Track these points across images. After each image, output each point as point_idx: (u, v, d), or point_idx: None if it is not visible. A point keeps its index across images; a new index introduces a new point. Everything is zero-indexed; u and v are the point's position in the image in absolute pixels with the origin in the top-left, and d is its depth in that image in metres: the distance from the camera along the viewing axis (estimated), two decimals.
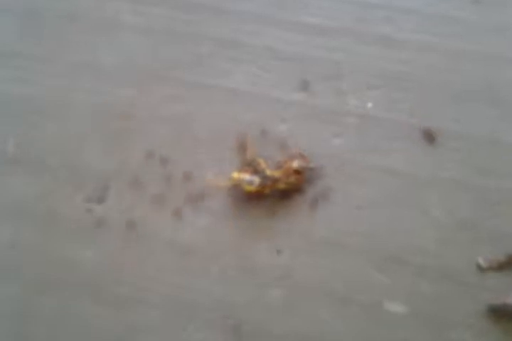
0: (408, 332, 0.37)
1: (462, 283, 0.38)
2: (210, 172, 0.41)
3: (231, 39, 0.46)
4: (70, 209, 0.41)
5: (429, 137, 0.41)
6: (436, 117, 0.42)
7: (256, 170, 0.40)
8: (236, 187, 0.40)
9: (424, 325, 0.37)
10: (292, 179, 0.39)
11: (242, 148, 0.42)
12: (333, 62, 0.44)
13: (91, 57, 0.46)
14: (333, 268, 0.39)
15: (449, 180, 0.40)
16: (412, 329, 0.37)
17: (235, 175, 0.40)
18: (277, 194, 0.40)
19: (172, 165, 0.42)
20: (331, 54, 0.44)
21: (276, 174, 0.40)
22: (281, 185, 0.40)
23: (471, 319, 0.36)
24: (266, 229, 0.40)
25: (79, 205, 0.41)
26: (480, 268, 0.38)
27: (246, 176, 0.40)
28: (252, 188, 0.40)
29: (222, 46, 0.45)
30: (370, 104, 0.42)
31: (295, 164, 0.40)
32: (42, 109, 0.44)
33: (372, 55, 0.44)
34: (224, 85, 0.44)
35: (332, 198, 0.40)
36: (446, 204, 0.40)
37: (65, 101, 0.45)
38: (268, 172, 0.40)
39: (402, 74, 0.43)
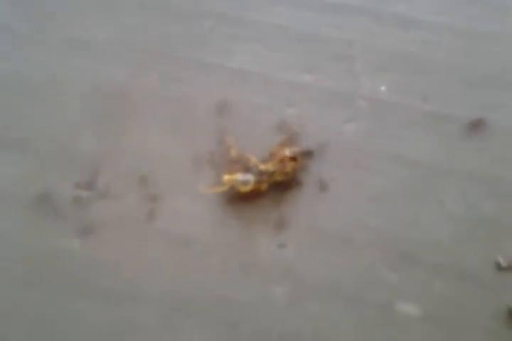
0: (420, 335, 0.34)
1: (480, 283, 0.35)
2: (202, 185, 0.37)
3: (236, 15, 0.42)
4: (58, 195, 0.38)
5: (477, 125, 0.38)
6: (451, 103, 0.39)
7: (247, 167, 0.37)
8: (231, 189, 0.37)
9: (438, 328, 0.34)
10: (288, 168, 0.36)
11: (223, 146, 0.38)
12: (346, 42, 0.41)
13: (84, 33, 0.43)
14: (340, 265, 0.36)
15: (467, 172, 0.37)
16: (424, 333, 0.34)
17: (227, 177, 0.36)
18: (276, 187, 0.37)
19: (168, 150, 0.39)
20: (343, 33, 0.41)
21: (271, 166, 0.36)
22: (279, 177, 0.37)
23: (490, 322, 0.34)
24: (268, 221, 0.37)
25: (68, 191, 0.38)
26: (499, 267, 0.35)
27: (239, 176, 0.36)
28: (247, 188, 0.36)
29: (226, 22, 0.42)
30: (383, 88, 0.39)
31: (287, 151, 0.36)
32: (30, 88, 0.41)
33: (387, 36, 0.41)
34: (227, 65, 0.41)
35: (341, 188, 0.37)
36: (464, 197, 0.37)
37: (55, 79, 0.41)
38: (262, 166, 0.36)
39: (417, 56, 0.40)
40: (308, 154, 0.37)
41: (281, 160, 0.36)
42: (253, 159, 0.37)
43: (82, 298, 0.36)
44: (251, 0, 0.43)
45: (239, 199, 0.37)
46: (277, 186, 0.37)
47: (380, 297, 0.35)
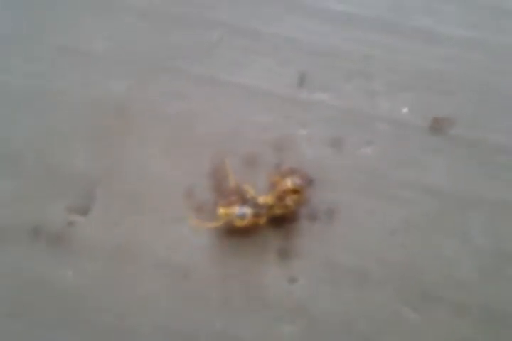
0: None
1: (510, 325, 0.32)
2: (192, 219, 0.34)
3: (245, 26, 0.39)
4: (48, 220, 0.35)
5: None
6: (482, 127, 0.36)
7: (244, 199, 0.34)
8: (226, 223, 0.34)
9: None
10: (289, 201, 0.33)
11: (219, 174, 0.35)
12: (363, 57, 0.38)
13: (79, 41, 0.39)
14: (356, 303, 0.33)
15: (496, 202, 0.34)
16: None
17: (222, 211, 0.33)
18: (275, 220, 0.34)
19: (170, 173, 0.36)
20: (361, 48, 0.38)
21: (270, 199, 0.33)
22: (278, 211, 0.33)
23: None
24: (277, 252, 0.34)
25: (59, 216, 0.35)
26: None
27: (235, 209, 0.33)
28: (244, 222, 0.33)
29: (234, 34, 0.39)
30: (405, 109, 0.36)
31: (289, 183, 0.33)
32: (19, 100, 0.38)
33: (409, 51, 0.38)
34: (235, 81, 0.38)
35: (358, 218, 0.34)
36: (493, 229, 0.34)
37: (47, 91, 0.38)
38: (260, 199, 0.33)
39: (443, 74, 0.37)
40: (309, 183, 0.35)
41: (282, 193, 0.33)
42: (251, 191, 0.34)
43: (71, 331, 0.33)
44: (262, 10, 0.39)
45: (235, 233, 0.34)
46: (277, 220, 0.34)
47: (399, 339, 0.32)
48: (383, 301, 0.33)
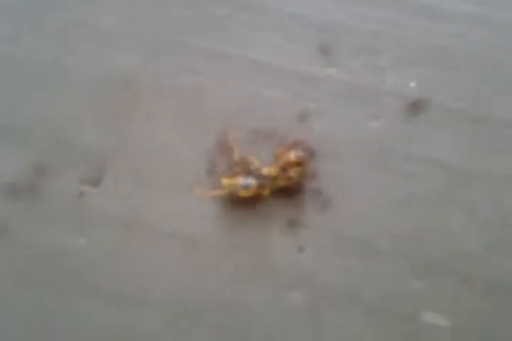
0: None
1: None
2: (198, 188, 0.35)
3: (253, 2, 0.39)
4: (60, 190, 0.36)
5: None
6: (487, 102, 0.36)
7: (248, 170, 0.34)
8: (231, 194, 0.34)
9: (468, 340, 0.32)
10: (292, 173, 0.34)
11: (225, 147, 0.36)
12: (371, 33, 0.38)
13: (89, 16, 0.40)
14: (364, 272, 0.33)
15: (501, 175, 0.35)
16: None
17: (226, 181, 0.34)
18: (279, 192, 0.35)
19: (178, 146, 0.36)
20: (368, 24, 0.38)
21: (273, 171, 0.34)
22: (282, 182, 0.34)
23: None
24: (285, 223, 0.35)
25: (71, 187, 0.36)
26: None
27: (239, 180, 0.34)
28: (248, 193, 0.34)
29: (242, 9, 0.39)
30: (412, 83, 0.37)
31: (292, 155, 0.34)
32: (30, 74, 0.38)
33: (416, 27, 0.38)
34: (243, 56, 0.38)
35: (364, 190, 0.35)
36: (498, 202, 0.34)
37: (58, 65, 0.38)
38: (264, 170, 0.34)
39: (450, 50, 0.38)
40: (311, 156, 0.35)
41: (286, 165, 0.34)
42: (255, 162, 0.34)
43: (85, 299, 0.34)
44: None
45: (242, 204, 0.34)
46: (284, 192, 0.35)
47: (405, 307, 0.33)
48: (389, 271, 0.33)
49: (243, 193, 0.34)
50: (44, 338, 0.34)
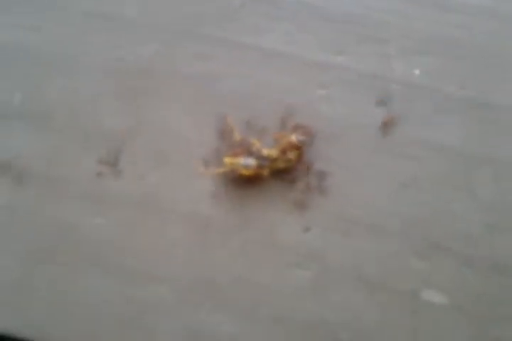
0: (447, 324, 0.33)
1: None
2: (197, 161, 0.37)
3: None
4: (78, 171, 0.37)
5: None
6: (491, 91, 0.37)
7: (250, 151, 0.36)
8: (232, 172, 0.36)
9: (466, 319, 0.33)
10: (290, 155, 0.36)
11: (226, 130, 0.37)
12: (379, 22, 0.39)
13: (109, 7, 0.42)
14: (367, 251, 0.35)
15: (502, 160, 0.36)
16: (451, 322, 0.33)
17: (228, 159, 0.36)
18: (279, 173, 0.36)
19: (193, 130, 0.38)
20: (376, 14, 0.40)
21: (274, 152, 0.36)
22: (281, 164, 0.36)
23: None
24: (292, 203, 0.36)
25: (89, 168, 0.37)
26: None
27: (240, 159, 0.36)
28: (249, 172, 0.36)
29: (256, 1, 0.41)
30: (417, 71, 0.38)
31: (293, 138, 0.36)
32: (51, 61, 0.40)
33: (423, 18, 0.39)
34: (256, 44, 0.40)
35: (370, 173, 0.36)
36: (500, 186, 0.35)
37: (78, 54, 0.40)
38: (264, 151, 0.36)
39: (455, 40, 0.39)
40: (311, 139, 0.37)
41: (285, 147, 0.36)
42: (257, 143, 0.36)
43: (99, 275, 0.36)
44: None
45: (240, 182, 0.36)
46: (280, 173, 0.36)
47: (407, 284, 0.34)
48: (392, 251, 0.35)
49: (244, 172, 0.36)
50: (61, 313, 0.35)
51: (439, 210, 0.35)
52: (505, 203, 0.35)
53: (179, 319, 0.35)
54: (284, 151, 0.36)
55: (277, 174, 0.36)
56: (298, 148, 0.36)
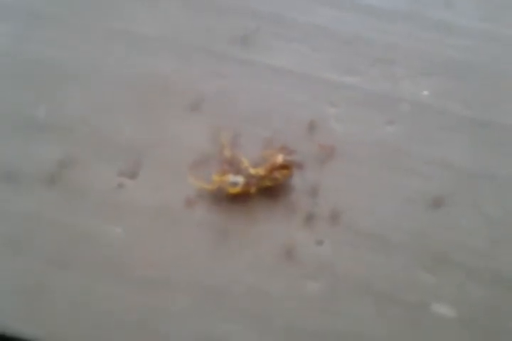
0: (454, 337, 0.34)
1: None
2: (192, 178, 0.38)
3: (281, 16, 0.43)
4: (99, 181, 0.39)
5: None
6: (494, 110, 0.39)
7: (238, 169, 0.38)
8: (220, 189, 0.37)
9: (473, 331, 0.34)
10: (277, 174, 0.37)
11: (219, 146, 0.39)
12: (388, 45, 0.41)
13: (129, 25, 0.44)
14: (377, 264, 0.36)
15: (505, 177, 0.38)
16: (459, 335, 0.34)
17: (216, 177, 0.37)
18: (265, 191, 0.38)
19: (206, 144, 0.39)
20: (385, 37, 0.42)
21: (261, 171, 0.37)
22: (268, 183, 0.37)
23: None
24: (305, 217, 0.37)
25: (109, 178, 0.39)
26: None
27: (229, 177, 0.37)
28: (235, 190, 0.37)
29: (270, 22, 0.43)
30: (425, 92, 0.40)
31: (280, 158, 0.37)
32: (74, 76, 0.42)
33: (430, 41, 0.41)
34: (270, 63, 0.41)
35: (378, 189, 0.38)
36: (502, 202, 0.37)
37: (100, 69, 0.42)
38: (252, 170, 0.37)
39: (460, 62, 0.41)
40: (298, 166, 0.38)
41: (272, 167, 0.37)
42: (245, 162, 0.38)
43: (115, 282, 0.37)
44: (296, 1, 0.43)
45: (228, 199, 0.37)
46: (266, 191, 0.37)
47: (415, 297, 0.35)
48: (401, 264, 0.36)
49: (231, 190, 0.37)
50: (74, 318, 0.36)
51: (444, 224, 0.37)
52: (508, 217, 0.36)
53: (192, 326, 0.36)
54: (271, 170, 0.37)
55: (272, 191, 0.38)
56: (285, 167, 0.37)
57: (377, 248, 0.36)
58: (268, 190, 0.37)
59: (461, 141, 0.38)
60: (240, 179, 0.37)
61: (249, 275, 0.37)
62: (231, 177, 0.37)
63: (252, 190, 0.37)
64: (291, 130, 0.39)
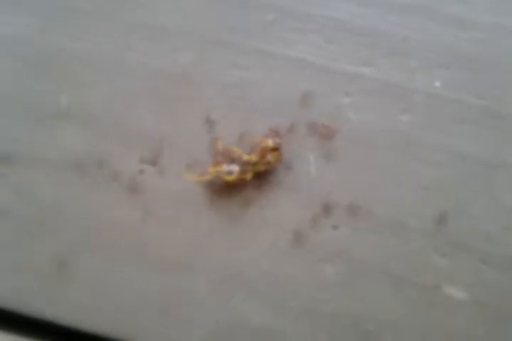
0: (466, 318, 0.35)
1: None
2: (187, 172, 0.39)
3: (298, 9, 0.44)
4: (121, 167, 0.40)
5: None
6: (506, 101, 0.40)
7: (232, 159, 0.39)
8: (216, 179, 0.39)
9: (484, 314, 0.35)
10: (270, 158, 0.38)
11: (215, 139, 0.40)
12: (402, 37, 0.42)
13: (150, 18, 0.45)
14: (391, 249, 0.37)
15: None
16: (470, 316, 0.35)
17: (211, 168, 0.39)
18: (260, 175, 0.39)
19: (224, 134, 0.41)
20: (399, 30, 0.43)
21: (254, 157, 0.38)
22: (262, 167, 0.39)
23: None
24: (321, 204, 0.39)
25: (131, 165, 0.40)
26: None
27: (223, 167, 0.38)
28: (232, 177, 0.38)
29: (287, 16, 0.44)
30: (437, 83, 0.41)
31: (270, 142, 0.38)
32: (95, 67, 0.43)
33: (443, 34, 0.42)
34: (286, 54, 0.42)
35: (394, 177, 0.39)
36: None
37: (120, 61, 0.43)
38: (245, 157, 0.38)
39: (473, 54, 0.42)
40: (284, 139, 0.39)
41: (263, 151, 0.38)
42: (237, 151, 0.39)
43: (137, 265, 0.38)
44: None
45: (226, 187, 0.39)
46: (261, 175, 0.39)
47: (428, 279, 0.36)
48: (415, 248, 0.37)
49: (228, 178, 0.38)
50: (98, 301, 0.38)
51: (458, 212, 0.38)
52: None
53: (212, 308, 0.37)
54: (263, 155, 0.38)
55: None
56: (275, 149, 0.38)
57: (393, 233, 0.38)
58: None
59: (473, 131, 0.40)
60: (235, 167, 0.38)
61: (266, 260, 0.38)
62: (225, 166, 0.38)
63: (249, 176, 0.39)
64: (307, 119, 0.40)
